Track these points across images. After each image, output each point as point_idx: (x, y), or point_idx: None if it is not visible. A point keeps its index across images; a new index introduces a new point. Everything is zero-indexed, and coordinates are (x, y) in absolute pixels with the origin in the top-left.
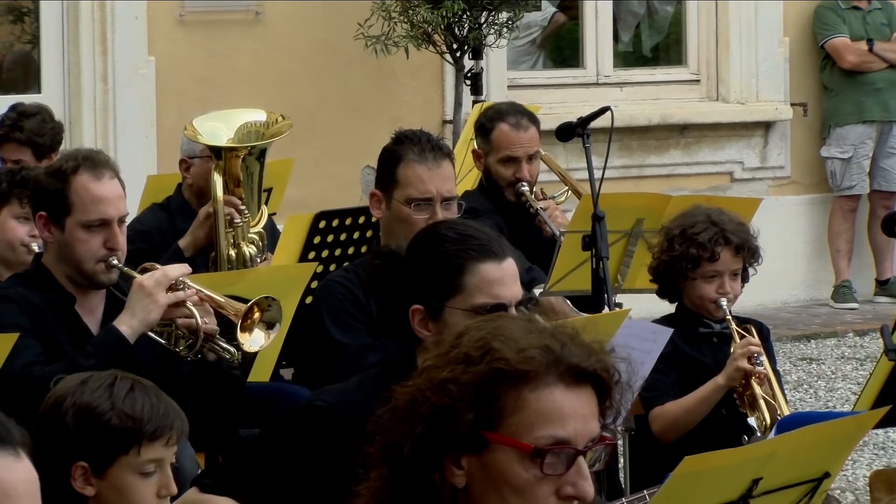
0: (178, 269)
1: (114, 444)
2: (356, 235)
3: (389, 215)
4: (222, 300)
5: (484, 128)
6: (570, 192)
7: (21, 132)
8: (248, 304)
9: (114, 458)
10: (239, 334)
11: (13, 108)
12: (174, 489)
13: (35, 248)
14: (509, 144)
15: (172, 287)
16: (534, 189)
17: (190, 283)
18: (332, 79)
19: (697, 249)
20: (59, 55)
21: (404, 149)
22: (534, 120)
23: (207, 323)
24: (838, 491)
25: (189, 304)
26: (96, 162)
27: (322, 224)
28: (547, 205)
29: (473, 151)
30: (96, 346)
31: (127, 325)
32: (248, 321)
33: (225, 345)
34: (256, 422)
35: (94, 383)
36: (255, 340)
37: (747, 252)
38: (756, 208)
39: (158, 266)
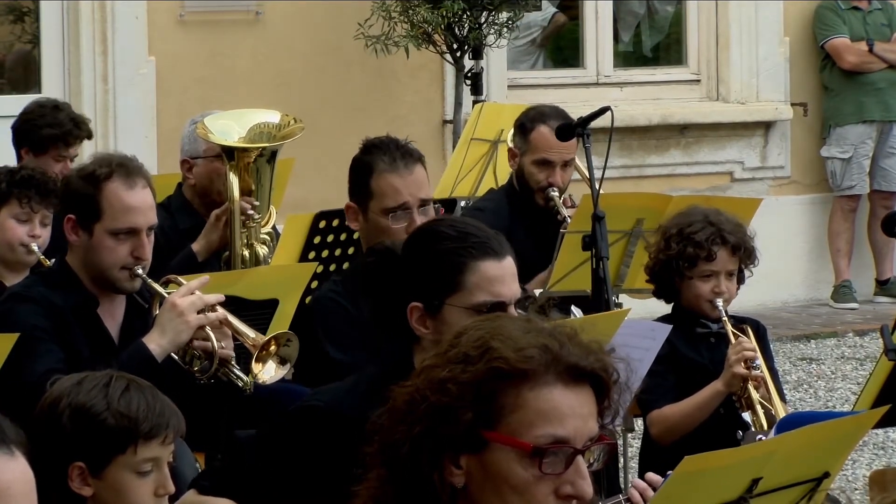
0: (214, 296)
1: (110, 444)
2: (356, 235)
3: (368, 226)
4: (242, 327)
5: (524, 127)
6: None
7: (82, 129)
8: (268, 337)
9: (110, 457)
10: (253, 364)
11: (56, 106)
12: (171, 488)
13: (34, 247)
14: (547, 148)
15: (204, 308)
16: (563, 196)
17: (221, 307)
18: (332, 79)
19: (694, 248)
20: (60, 55)
21: (374, 159)
22: None
23: (224, 348)
24: (838, 491)
25: (207, 328)
26: (130, 170)
27: (322, 224)
28: (574, 213)
29: (509, 150)
30: (123, 363)
31: (156, 344)
32: (264, 352)
33: (238, 372)
34: (258, 422)
35: (90, 383)
36: (267, 371)
37: (744, 252)
38: (756, 208)
39: (181, 279)
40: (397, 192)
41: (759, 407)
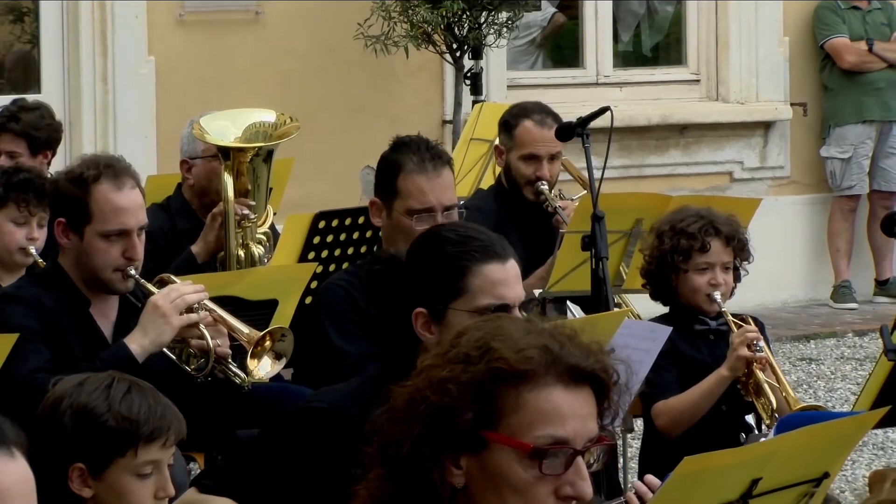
0: (196, 295)
1: (111, 446)
2: (356, 236)
3: (390, 224)
4: (236, 323)
5: (508, 124)
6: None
7: (17, 123)
8: (262, 333)
9: (111, 459)
10: (248, 360)
11: (14, 101)
12: (171, 491)
13: (32, 250)
14: (532, 141)
15: (189, 308)
16: (552, 190)
17: (209, 305)
18: (331, 79)
19: (688, 240)
20: (59, 55)
21: (403, 158)
22: (558, 121)
23: (220, 345)
24: (838, 491)
25: (202, 325)
26: (118, 171)
27: (322, 224)
28: (565, 205)
29: (496, 147)
30: (105, 362)
31: (137, 344)
32: (259, 348)
33: (236, 369)
34: (259, 422)
35: (92, 385)
36: (262, 367)
37: (737, 244)
38: (756, 208)
39: (174, 278)
40: (423, 194)
41: (766, 387)
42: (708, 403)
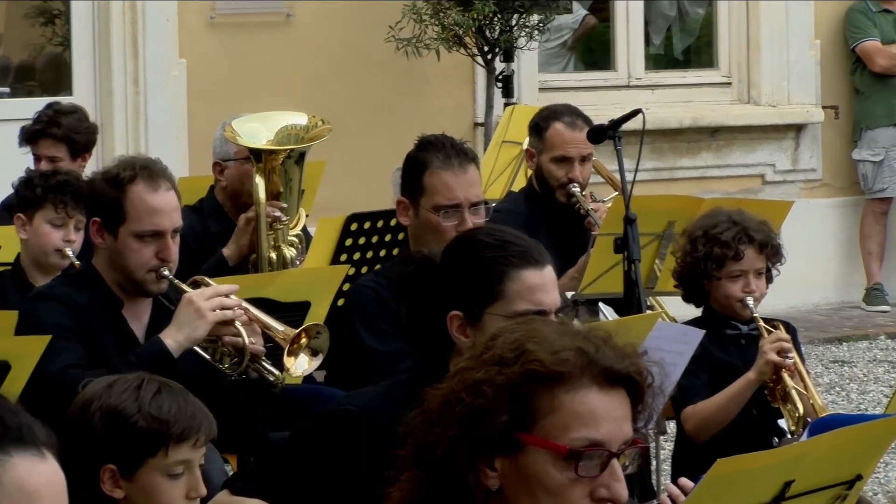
0: (229, 289)
1: (141, 447)
2: (388, 238)
3: (418, 223)
4: (271, 322)
5: (538, 126)
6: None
7: (59, 128)
8: (298, 330)
9: (142, 460)
10: (285, 358)
11: (49, 105)
12: (203, 491)
13: (69, 252)
14: (563, 143)
15: (223, 305)
16: (584, 192)
17: (243, 304)
18: (362, 81)
19: (721, 249)
20: (91, 57)
21: (429, 156)
22: (588, 123)
23: (254, 343)
24: (870, 494)
25: (237, 323)
26: (153, 172)
27: (354, 226)
28: (597, 207)
29: (526, 150)
30: (139, 357)
31: (172, 339)
32: (295, 346)
33: (270, 367)
34: (291, 424)
35: (121, 386)
36: (299, 365)
37: (770, 250)
38: (788, 211)
39: (208, 280)
40: (450, 189)
41: (793, 393)
42: (735, 408)
